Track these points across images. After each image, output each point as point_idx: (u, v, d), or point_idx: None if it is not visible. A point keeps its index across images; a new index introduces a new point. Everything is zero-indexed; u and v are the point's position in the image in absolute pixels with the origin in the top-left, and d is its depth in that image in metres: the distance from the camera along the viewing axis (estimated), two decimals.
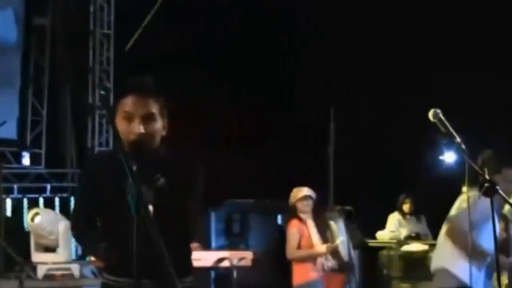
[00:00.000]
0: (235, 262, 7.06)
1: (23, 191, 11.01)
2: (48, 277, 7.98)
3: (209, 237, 11.82)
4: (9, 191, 10.77)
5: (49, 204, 10.96)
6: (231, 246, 11.04)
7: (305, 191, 7.58)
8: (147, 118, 3.28)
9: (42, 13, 11.33)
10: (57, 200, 11.08)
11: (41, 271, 7.98)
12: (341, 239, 7.65)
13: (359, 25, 11.75)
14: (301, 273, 7.44)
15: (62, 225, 8.50)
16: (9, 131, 10.97)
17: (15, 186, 10.94)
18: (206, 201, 10.87)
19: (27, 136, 11.19)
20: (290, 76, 12.92)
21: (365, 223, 10.19)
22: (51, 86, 11.42)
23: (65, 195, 11.12)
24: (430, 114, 4.31)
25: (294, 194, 7.63)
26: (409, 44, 11.34)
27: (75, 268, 8.10)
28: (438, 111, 4.32)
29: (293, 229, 7.50)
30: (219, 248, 11.20)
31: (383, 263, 10.01)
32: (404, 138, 10.94)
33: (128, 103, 3.27)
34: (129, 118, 3.27)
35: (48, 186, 11.19)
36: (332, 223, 7.81)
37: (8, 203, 10.69)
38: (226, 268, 7.13)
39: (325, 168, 11.19)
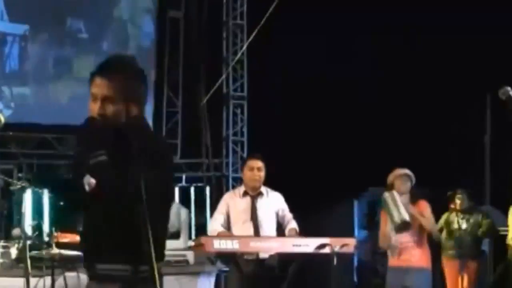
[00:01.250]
0: (337, 248, 6.80)
1: None
2: (163, 263, 8.06)
3: (352, 225, 11.63)
4: None
5: (184, 194, 11.17)
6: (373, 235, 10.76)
7: (406, 170, 7.29)
8: (106, 100, 3.19)
9: (176, 6, 11.54)
10: (192, 189, 11.26)
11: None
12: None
13: None
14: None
15: (184, 214, 8.63)
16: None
17: None
18: (348, 189, 10.63)
19: (162, 127, 11.45)
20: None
21: None
22: (185, 77, 11.62)
23: (200, 184, 11.29)
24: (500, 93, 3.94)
25: (394, 172, 7.36)
26: None
27: (190, 255, 8.12)
28: (509, 88, 3.93)
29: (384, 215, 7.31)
30: (362, 237, 11.00)
31: None
32: None
33: (94, 83, 3.22)
34: (93, 98, 3.21)
35: (184, 176, 11.39)
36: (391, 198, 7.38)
37: None
38: (326, 255, 6.89)
39: (481, 158, 10.65)
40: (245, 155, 11.45)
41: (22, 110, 10.55)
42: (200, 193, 11.14)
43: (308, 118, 11.37)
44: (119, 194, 3.10)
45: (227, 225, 7.05)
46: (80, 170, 3.15)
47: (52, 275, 6.44)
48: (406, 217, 7.09)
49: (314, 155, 11.22)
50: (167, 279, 7.38)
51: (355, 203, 11.76)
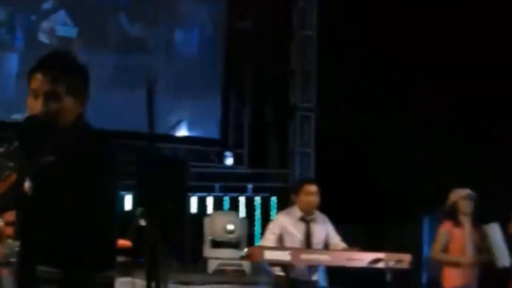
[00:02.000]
0: (391, 264, 6.68)
1: (224, 190, 11.32)
2: (218, 272, 8.10)
3: (420, 243, 11.43)
4: (210, 190, 11.16)
5: (249, 203, 11.18)
6: None
7: (469, 190, 7.08)
8: (50, 96, 3.09)
9: (245, 17, 11.58)
10: (257, 199, 11.24)
11: (211, 265, 8.12)
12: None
13: None
14: (449, 277, 7.07)
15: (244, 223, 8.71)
16: (212, 132, 11.39)
17: (217, 185, 11.29)
18: (419, 207, 10.44)
19: (230, 137, 11.49)
20: None
21: None
22: (254, 87, 11.64)
23: (266, 194, 11.27)
24: None
25: (457, 192, 7.16)
26: None
27: (246, 265, 8.13)
28: None
29: (443, 229, 7.11)
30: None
31: None
32: None
33: (34, 80, 3.10)
34: (34, 95, 3.11)
35: (250, 186, 11.39)
36: (489, 230, 7.18)
37: (210, 201, 11.13)
38: (380, 270, 6.77)
39: None
40: (312, 166, 11.39)
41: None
42: (266, 203, 11.12)
43: (378, 130, 11.23)
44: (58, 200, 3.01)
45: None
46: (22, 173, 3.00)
47: None
48: (506, 263, 6.98)
49: (382, 170, 11.06)
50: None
51: (425, 220, 11.55)
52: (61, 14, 10.93)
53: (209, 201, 11.14)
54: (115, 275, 3.26)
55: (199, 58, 11.48)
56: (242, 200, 11.31)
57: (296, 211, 6.96)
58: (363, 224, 11.33)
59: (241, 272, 8.10)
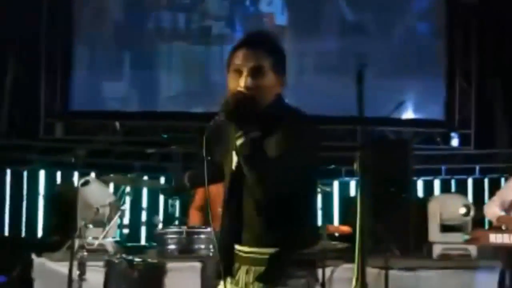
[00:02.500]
0: None
1: (451, 172, 10.98)
2: (443, 256, 7.85)
3: None
4: (436, 172, 10.88)
5: (478, 186, 10.78)
6: None
7: None
8: (256, 72, 3.12)
9: None
10: (486, 181, 10.81)
11: (436, 250, 7.89)
12: None
13: None
14: None
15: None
16: (437, 113, 11.07)
17: (443, 168, 10.97)
18: None
19: (455, 117, 11.11)
20: None
21: None
22: (479, 65, 11.17)
23: (495, 176, 10.79)
24: None
25: None
26: None
27: (473, 249, 7.82)
28: None
29: None
30: None
31: None
32: None
33: (238, 56, 3.16)
34: (238, 71, 3.15)
35: (477, 167, 10.95)
36: None
37: (437, 184, 10.86)
38: None
39: None
40: None
41: None
42: (495, 184, 10.64)
43: None
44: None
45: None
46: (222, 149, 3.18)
47: (323, 267, 6.56)
48: None
49: None
50: (445, 273, 7.23)
51: None
52: (278, 2, 11.12)
53: (436, 184, 10.88)
54: (316, 252, 3.29)
55: (420, 38, 11.18)
56: (470, 182, 10.92)
57: None
58: None
59: (467, 257, 7.80)
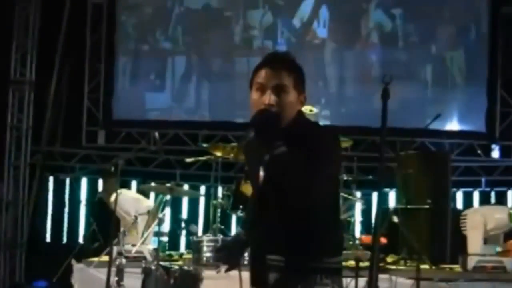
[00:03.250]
0: None
1: (491, 184, 10.91)
2: (478, 268, 7.81)
3: None
4: (476, 184, 10.82)
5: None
6: None
7: None
8: (278, 90, 3.26)
9: (509, 1, 11.08)
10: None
11: (471, 262, 7.85)
12: None
13: None
14: None
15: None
16: (478, 124, 11.03)
17: (483, 179, 10.91)
18: None
19: (496, 128, 11.05)
20: None
21: None
22: None
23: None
24: None
25: None
26: None
27: (508, 262, 7.77)
28: None
29: None
30: None
31: None
32: None
33: (262, 74, 3.30)
34: (261, 89, 3.29)
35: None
36: None
37: (476, 195, 10.81)
38: None
39: None
40: None
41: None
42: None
43: None
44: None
45: None
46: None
47: (356, 277, 6.58)
48: None
49: None
50: (480, 285, 7.21)
51: None
52: (321, 15, 11.19)
53: (475, 195, 10.82)
54: (341, 261, 3.39)
55: (462, 48, 11.14)
56: (510, 194, 10.85)
57: None
58: None
59: (501, 269, 7.75)
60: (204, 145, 9.42)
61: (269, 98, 3.28)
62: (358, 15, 11.18)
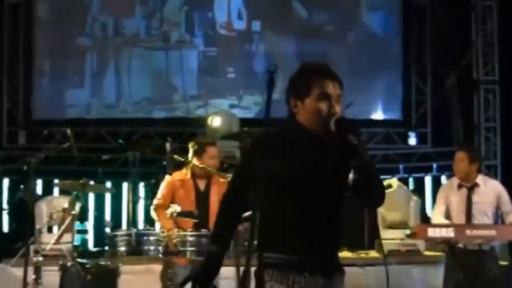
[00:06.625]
0: None
1: (409, 170, 11.19)
2: (394, 252, 8.06)
3: None
4: (394, 171, 11.08)
5: (435, 183, 10.97)
6: None
7: None
8: (339, 100, 3.49)
9: None
10: (443, 178, 11.01)
11: (386, 247, 8.09)
12: None
13: None
14: None
15: (413, 202, 8.61)
16: (395, 112, 11.30)
17: (401, 166, 11.19)
18: None
19: (412, 116, 11.35)
20: None
21: None
22: (434, 65, 11.40)
23: (452, 173, 10.97)
24: None
25: None
26: None
27: (421, 245, 8.04)
28: None
29: None
30: None
31: None
32: None
33: (327, 85, 3.48)
34: (328, 98, 3.46)
35: (435, 165, 11.18)
36: None
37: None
38: None
39: None
40: (498, 141, 11.00)
41: None
42: None
43: None
44: None
45: (447, 215, 6.95)
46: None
47: None
48: None
49: None
50: (395, 268, 7.43)
51: None
52: (236, 7, 11.32)
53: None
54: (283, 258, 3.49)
55: (377, 38, 11.40)
56: (428, 180, 11.14)
57: (455, 178, 6.89)
58: None
59: (415, 252, 8.02)
60: (121, 141, 9.45)
61: (337, 107, 3.46)
62: (275, 6, 11.33)
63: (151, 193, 8.06)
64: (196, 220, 6.36)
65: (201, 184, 6.74)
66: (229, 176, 6.62)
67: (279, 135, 3.57)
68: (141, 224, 9.71)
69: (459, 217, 6.83)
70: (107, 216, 10.56)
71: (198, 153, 6.70)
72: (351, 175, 3.36)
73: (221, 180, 6.63)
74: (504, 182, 9.81)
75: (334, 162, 3.42)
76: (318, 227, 3.46)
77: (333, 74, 3.52)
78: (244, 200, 3.60)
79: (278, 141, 3.52)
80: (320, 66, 3.59)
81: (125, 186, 10.57)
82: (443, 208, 6.92)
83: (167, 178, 6.87)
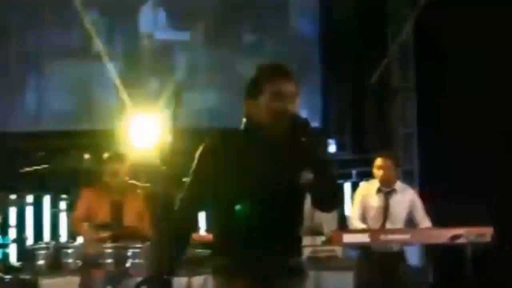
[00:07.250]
0: (471, 238, 6.57)
1: None
2: (312, 259, 8.19)
3: None
4: None
5: (355, 189, 11.16)
6: None
7: None
8: (294, 98, 3.52)
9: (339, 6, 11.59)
10: (362, 184, 11.22)
11: (305, 253, 8.21)
12: None
13: None
14: None
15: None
16: (314, 120, 11.43)
17: None
18: None
19: (331, 124, 11.55)
20: None
21: None
22: (353, 72, 11.62)
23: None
24: None
25: None
26: None
27: (339, 250, 8.20)
28: None
29: None
30: None
31: None
32: None
33: (280, 82, 3.49)
34: (280, 96, 3.47)
35: (354, 171, 11.40)
36: None
37: None
38: (460, 246, 6.68)
39: None
40: (414, 148, 11.29)
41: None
42: None
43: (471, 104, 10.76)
44: None
45: (363, 218, 7.15)
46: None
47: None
48: None
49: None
50: (315, 275, 7.55)
51: None
52: (159, 18, 11.35)
53: None
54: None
55: (295, 47, 11.56)
56: (347, 186, 11.35)
57: (376, 182, 7.10)
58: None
59: (334, 258, 8.18)
60: (41, 153, 9.40)
61: (289, 105, 3.48)
62: (193, 19, 11.41)
63: (72, 206, 8.06)
64: (111, 232, 6.45)
65: (116, 196, 6.81)
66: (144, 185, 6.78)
67: (231, 138, 3.58)
68: (64, 237, 9.66)
69: (375, 221, 7.03)
70: (29, 230, 10.48)
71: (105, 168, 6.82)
72: (305, 175, 3.36)
73: (137, 191, 6.75)
74: (421, 188, 10.15)
75: (286, 163, 3.42)
76: (268, 233, 3.43)
77: (286, 72, 3.53)
78: (200, 207, 3.60)
79: (228, 145, 3.52)
80: (273, 65, 3.61)
81: (46, 199, 10.52)
82: (360, 212, 7.12)
83: (84, 190, 6.94)
